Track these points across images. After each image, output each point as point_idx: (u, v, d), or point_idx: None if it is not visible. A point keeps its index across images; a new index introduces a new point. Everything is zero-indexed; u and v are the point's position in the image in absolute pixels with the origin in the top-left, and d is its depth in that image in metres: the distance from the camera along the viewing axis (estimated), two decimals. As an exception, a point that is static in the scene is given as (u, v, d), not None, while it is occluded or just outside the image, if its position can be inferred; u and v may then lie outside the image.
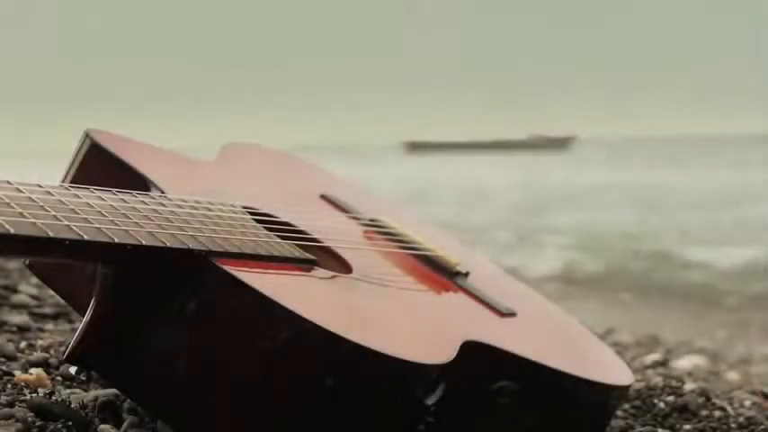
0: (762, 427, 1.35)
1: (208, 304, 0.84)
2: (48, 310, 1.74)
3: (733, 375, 2.55)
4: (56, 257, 0.80)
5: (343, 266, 1.05)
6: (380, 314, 0.97)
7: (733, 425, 1.36)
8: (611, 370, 1.21)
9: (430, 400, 0.93)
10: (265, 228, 0.99)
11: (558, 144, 42.44)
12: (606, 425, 1.20)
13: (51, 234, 0.74)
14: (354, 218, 1.26)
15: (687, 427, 1.34)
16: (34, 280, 2.32)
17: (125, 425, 1.01)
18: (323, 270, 0.98)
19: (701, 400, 1.45)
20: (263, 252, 0.91)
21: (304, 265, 0.96)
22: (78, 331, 0.85)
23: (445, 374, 0.93)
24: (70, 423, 0.98)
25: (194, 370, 0.84)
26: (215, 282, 0.84)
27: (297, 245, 0.98)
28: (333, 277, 0.99)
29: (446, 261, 1.20)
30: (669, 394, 1.47)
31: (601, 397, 1.15)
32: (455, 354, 0.94)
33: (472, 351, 0.98)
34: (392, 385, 0.89)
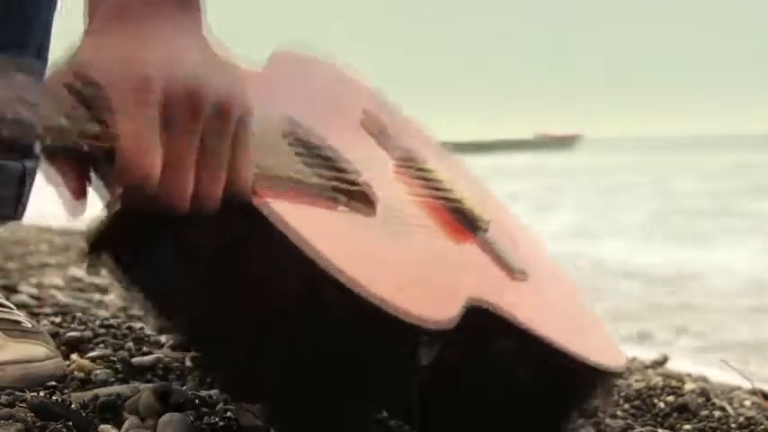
0: (762, 427, 1.35)
1: (224, 224, 0.84)
2: (48, 310, 1.74)
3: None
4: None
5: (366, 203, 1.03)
6: (391, 259, 0.95)
7: (733, 425, 1.36)
8: (607, 352, 1.19)
9: (425, 359, 0.92)
10: (299, 151, 0.97)
11: (564, 142, 42.51)
12: (589, 406, 1.18)
13: None
14: (389, 151, 1.19)
15: (687, 427, 1.34)
16: (34, 280, 2.32)
17: (125, 425, 1.01)
18: (343, 207, 0.97)
19: (701, 400, 1.45)
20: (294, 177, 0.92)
21: (329, 195, 0.95)
22: (106, 217, 0.84)
23: (444, 332, 0.91)
24: (70, 423, 0.98)
25: (208, 279, 0.87)
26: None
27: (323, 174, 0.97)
28: (351, 212, 0.97)
29: (471, 212, 1.14)
30: (669, 394, 1.47)
31: (591, 378, 1.13)
32: (457, 312, 0.92)
33: (475, 311, 0.96)
34: (388, 339, 0.88)
